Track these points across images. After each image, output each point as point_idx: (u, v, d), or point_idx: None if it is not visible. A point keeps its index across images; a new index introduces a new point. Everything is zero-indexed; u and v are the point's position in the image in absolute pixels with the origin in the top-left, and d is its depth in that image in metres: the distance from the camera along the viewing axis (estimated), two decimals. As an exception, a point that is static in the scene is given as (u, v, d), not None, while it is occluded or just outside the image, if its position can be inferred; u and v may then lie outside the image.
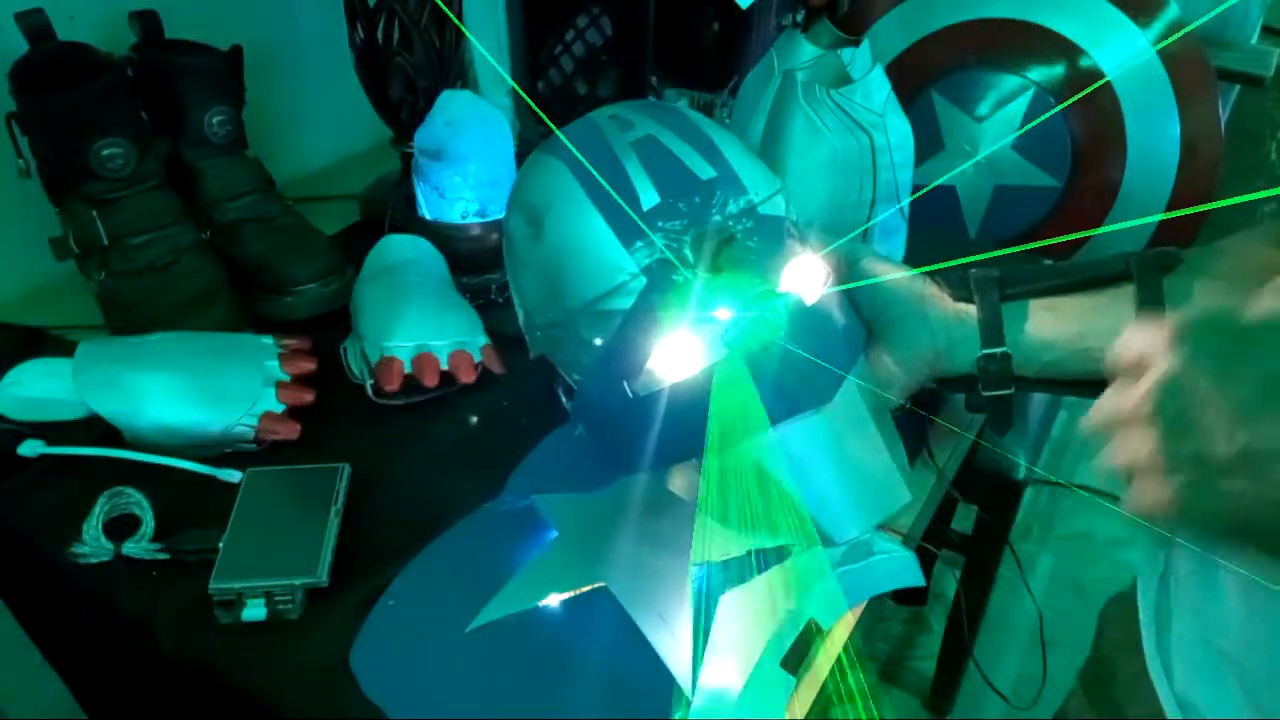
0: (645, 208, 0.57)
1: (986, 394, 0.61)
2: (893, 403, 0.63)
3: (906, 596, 1.54)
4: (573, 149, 0.59)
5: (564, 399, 0.66)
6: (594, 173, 0.57)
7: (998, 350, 0.59)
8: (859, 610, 0.64)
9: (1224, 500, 0.36)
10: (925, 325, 0.61)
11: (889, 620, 1.68)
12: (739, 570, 0.63)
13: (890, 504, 0.61)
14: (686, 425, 0.58)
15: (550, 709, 0.56)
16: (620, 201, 0.56)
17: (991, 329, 0.59)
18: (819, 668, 0.61)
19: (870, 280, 0.61)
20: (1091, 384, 0.56)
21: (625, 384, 0.58)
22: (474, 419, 0.81)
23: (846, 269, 0.63)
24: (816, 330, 0.59)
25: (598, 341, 0.59)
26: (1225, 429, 0.35)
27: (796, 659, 0.59)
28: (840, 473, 0.60)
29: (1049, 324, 0.59)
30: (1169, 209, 1.28)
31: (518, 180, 0.66)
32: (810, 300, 0.59)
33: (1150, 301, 0.55)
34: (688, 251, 0.56)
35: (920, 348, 0.61)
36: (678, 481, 0.63)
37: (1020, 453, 1.06)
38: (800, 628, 0.60)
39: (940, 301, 0.61)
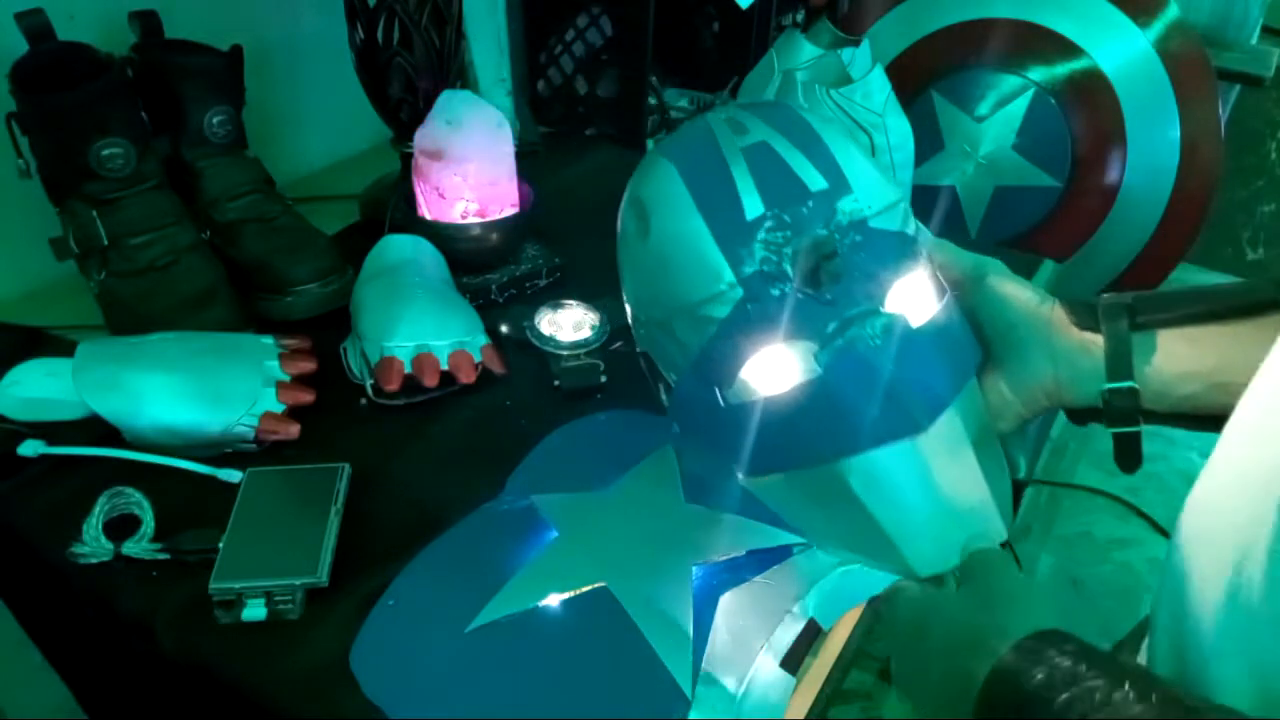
0: (749, 217, 0.55)
1: (1112, 430, 0.56)
2: (1004, 430, 0.59)
3: (906, 596, 1.54)
4: (682, 152, 0.59)
5: (663, 396, 0.65)
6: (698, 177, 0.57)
7: (1124, 385, 0.55)
8: (859, 610, 0.64)
9: None
10: (1048, 352, 0.57)
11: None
12: (739, 570, 0.64)
13: (981, 539, 0.56)
14: (779, 438, 0.57)
15: (550, 709, 0.56)
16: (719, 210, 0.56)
17: (1118, 360, 0.55)
18: (819, 668, 0.61)
19: (990, 300, 0.58)
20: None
21: (718, 391, 0.58)
22: (474, 419, 0.81)
23: (971, 285, 0.59)
24: (922, 351, 0.56)
25: (694, 345, 0.58)
26: None
27: (796, 659, 0.59)
28: (931, 503, 0.56)
29: (1184, 356, 0.54)
30: (1169, 209, 1.28)
31: (634, 176, 0.65)
32: (916, 323, 0.56)
33: None
34: (787, 265, 0.55)
35: (1040, 376, 0.57)
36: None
37: (1020, 453, 1.06)
38: (800, 628, 0.60)
39: (1066, 330, 0.56)
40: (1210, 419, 0.53)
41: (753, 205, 0.56)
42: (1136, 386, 0.54)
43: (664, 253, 0.59)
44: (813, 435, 0.56)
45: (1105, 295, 0.57)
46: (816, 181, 0.56)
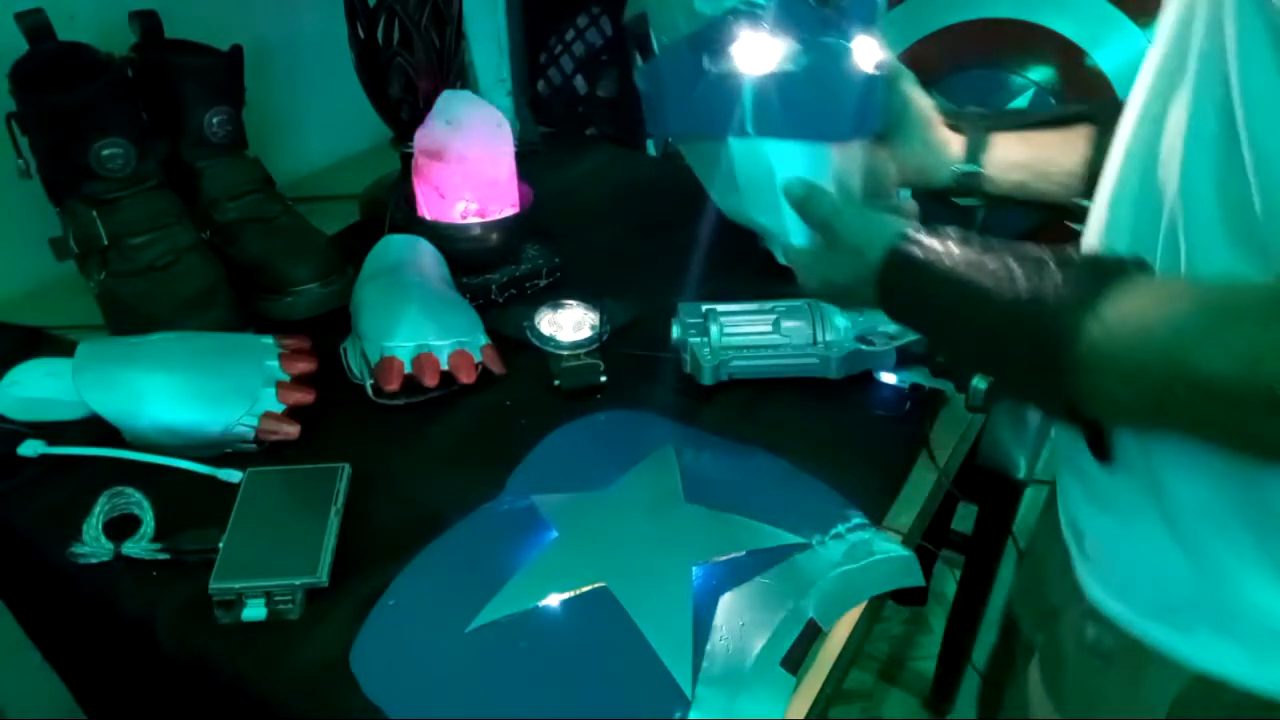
0: None
1: (958, 202, 0.74)
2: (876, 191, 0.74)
3: (906, 596, 1.54)
4: None
5: (638, 58, 0.74)
6: None
7: (972, 169, 0.73)
8: (859, 610, 0.64)
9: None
10: (924, 139, 0.73)
11: (889, 620, 1.68)
12: (739, 570, 0.64)
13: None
14: (725, 107, 0.68)
15: (550, 709, 0.56)
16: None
17: (972, 151, 0.72)
18: (819, 668, 0.61)
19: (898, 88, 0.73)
20: (1050, 206, 0.72)
21: (705, 58, 0.68)
22: (474, 419, 0.81)
23: (891, 79, 0.72)
24: (844, 83, 0.69)
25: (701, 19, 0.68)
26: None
27: (796, 659, 0.59)
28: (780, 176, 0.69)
29: (1016, 151, 0.72)
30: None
31: None
32: (860, 62, 0.68)
33: (1104, 140, 0.63)
34: None
35: (916, 154, 0.74)
36: None
37: (1020, 453, 1.06)
38: (800, 628, 0.60)
39: (940, 127, 0.73)
40: (1034, 204, 0.73)
41: None
42: (981, 170, 0.72)
43: None
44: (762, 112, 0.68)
45: (971, 108, 0.75)
46: None
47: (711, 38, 0.67)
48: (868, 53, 0.69)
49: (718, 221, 0.78)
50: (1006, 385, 0.65)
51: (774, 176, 0.67)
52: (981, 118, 0.74)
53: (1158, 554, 0.52)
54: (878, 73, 0.70)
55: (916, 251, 0.55)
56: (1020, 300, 0.47)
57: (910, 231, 0.56)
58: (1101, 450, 0.54)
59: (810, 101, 0.67)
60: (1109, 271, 0.45)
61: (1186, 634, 0.52)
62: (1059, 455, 0.61)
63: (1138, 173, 0.50)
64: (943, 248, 0.53)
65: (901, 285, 0.57)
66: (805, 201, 0.66)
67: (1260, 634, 0.49)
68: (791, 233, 0.68)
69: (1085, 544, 0.58)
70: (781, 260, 0.71)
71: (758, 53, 0.67)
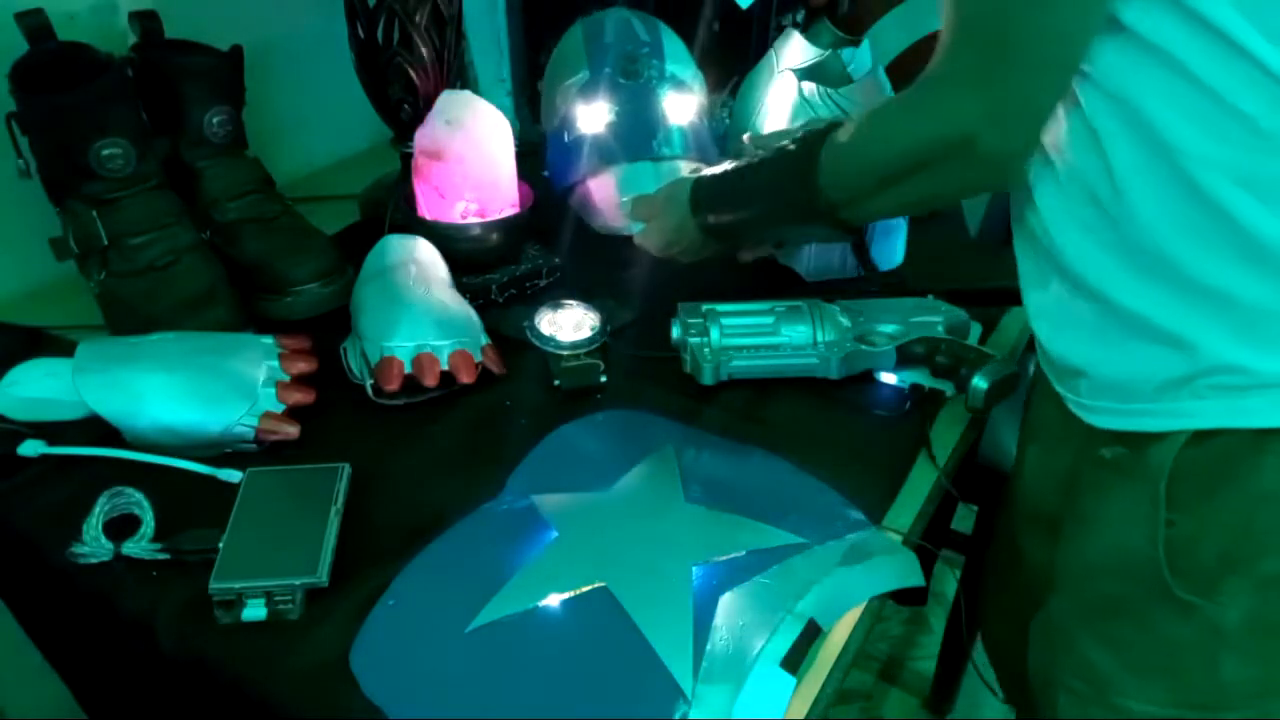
0: (607, 41, 1.03)
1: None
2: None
3: (906, 596, 1.54)
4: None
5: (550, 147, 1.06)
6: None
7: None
8: (859, 610, 0.64)
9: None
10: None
11: (889, 620, 1.68)
12: (739, 570, 0.64)
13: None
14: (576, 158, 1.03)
15: (550, 709, 0.56)
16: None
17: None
18: (819, 668, 0.61)
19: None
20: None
21: (565, 133, 1.02)
22: (474, 419, 0.81)
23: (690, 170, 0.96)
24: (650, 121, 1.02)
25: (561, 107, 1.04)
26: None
27: (796, 659, 0.59)
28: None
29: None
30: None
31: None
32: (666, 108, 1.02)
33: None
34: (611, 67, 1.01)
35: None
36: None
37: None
38: (800, 628, 0.60)
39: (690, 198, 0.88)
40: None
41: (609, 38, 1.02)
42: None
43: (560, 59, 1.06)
44: (607, 151, 1.01)
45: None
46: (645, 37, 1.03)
47: (566, 119, 0.99)
48: (680, 104, 1.00)
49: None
50: (791, 225, 0.82)
51: (620, 195, 0.96)
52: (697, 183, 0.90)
53: (1079, 325, 0.63)
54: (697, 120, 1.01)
55: (706, 174, 0.85)
56: (778, 164, 0.76)
57: (695, 172, 0.87)
58: (864, 254, 0.92)
59: (627, 136, 0.98)
60: (821, 130, 0.73)
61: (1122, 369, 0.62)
62: (1034, 318, 0.69)
63: None
64: (719, 168, 0.84)
65: (707, 197, 0.83)
66: (633, 202, 0.92)
67: (1128, 331, 0.60)
68: (634, 226, 0.92)
69: (1071, 379, 0.67)
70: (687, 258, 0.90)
71: (592, 118, 0.98)
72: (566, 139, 0.99)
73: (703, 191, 0.83)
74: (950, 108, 0.60)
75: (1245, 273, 0.54)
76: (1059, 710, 0.75)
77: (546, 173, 1.05)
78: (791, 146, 0.75)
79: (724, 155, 1.09)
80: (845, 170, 0.71)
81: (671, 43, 1.03)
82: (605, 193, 0.98)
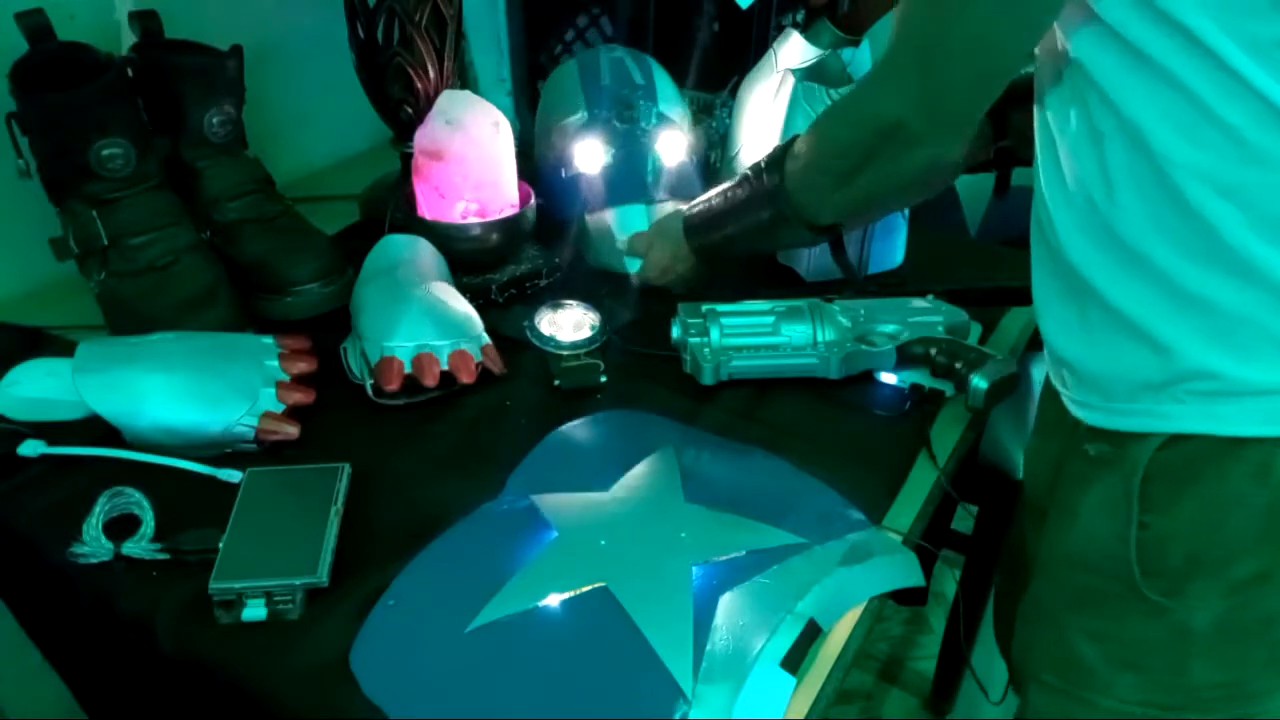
0: (604, 83, 1.05)
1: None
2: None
3: (906, 596, 1.54)
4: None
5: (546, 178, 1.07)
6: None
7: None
8: (859, 610, 0.64)
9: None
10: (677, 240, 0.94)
11: (889, 620, 1.68)
12: (739, 570, 0.64)
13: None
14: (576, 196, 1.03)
15: (550, 709, 0.56)
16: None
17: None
18: (819, 668, 0.61)
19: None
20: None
21: (562, 169, 1.04)
22: (474, 419, 0.81)
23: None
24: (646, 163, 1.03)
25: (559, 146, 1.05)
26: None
27: (796, 659, 0.59)
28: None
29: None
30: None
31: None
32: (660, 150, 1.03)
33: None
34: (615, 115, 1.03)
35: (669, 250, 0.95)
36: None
37: (1020, 453, 1.06)
38: (800, 628, 0.60)
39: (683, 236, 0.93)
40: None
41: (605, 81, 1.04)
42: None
43: (556, 95, 1.08)
44: (599, 194, 1.02)
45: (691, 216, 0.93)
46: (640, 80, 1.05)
47: (564, 154, 1.03)
48: (671, 143, 1.03)
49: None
50: (771, 234, 0.84)
51: (616, 235, 1.00)
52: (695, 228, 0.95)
53: (1071, 318, 0.64)
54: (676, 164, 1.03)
55: (695, 209, 0.91)
56: (752, 181, 0.82)
57: (685, 207, 0.94)
58: (842, 257, 0.93)
59: (623, 180, 1.01)
60: (787, 141, 0.79)
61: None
62: (1038, 307, 0.70)
63: None
64: (703, 203, 0.90)
65: (696, 223, 0.90)
66: (630, 240, 0.98)
67: (1111, 326, 0.61)
68: (630, 264, 0.97)
69: (1063, 372, 0.68)
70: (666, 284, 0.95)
71: (589, 156, 1.01)
72: (564, 174, 1.02)
73: (692, 218, 0.91)
74: (884, 98, 0.67)
75: (1224, 280, 0.55)
76: (1030, 705, 0.76)
77: (541, 201, 1.05)
78: (763, 162, 0.82)
79: (723, 155, 1.10)
80: (806, 172, 0.77)
81: (663, 82, 1.06)
82: (602, 231, 1.01)
